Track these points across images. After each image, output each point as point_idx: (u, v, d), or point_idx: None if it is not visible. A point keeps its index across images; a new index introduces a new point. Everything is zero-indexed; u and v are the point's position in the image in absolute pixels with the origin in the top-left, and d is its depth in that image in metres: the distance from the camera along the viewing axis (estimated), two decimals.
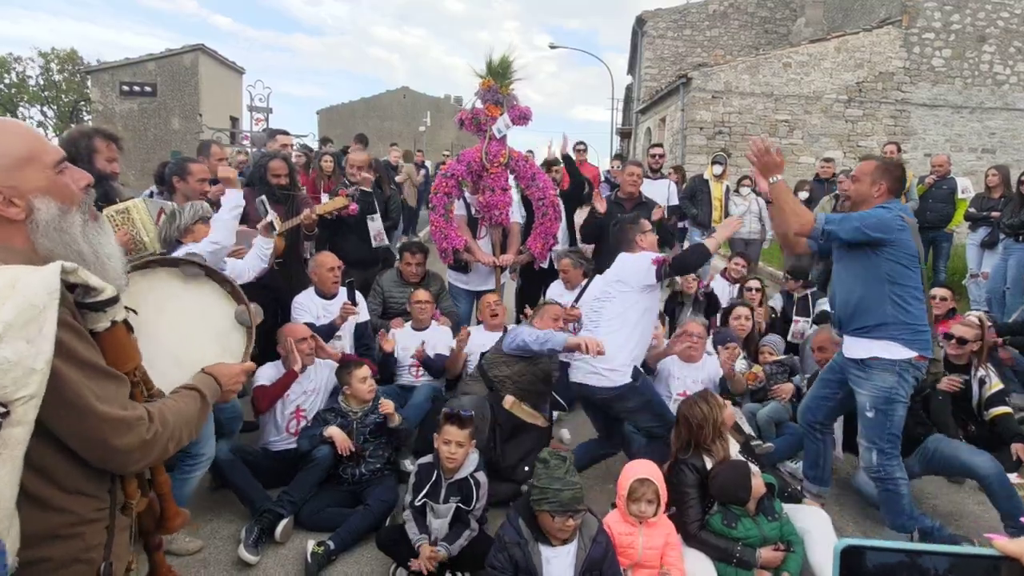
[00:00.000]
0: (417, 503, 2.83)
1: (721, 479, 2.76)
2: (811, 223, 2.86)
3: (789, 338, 5.18)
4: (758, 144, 2.92)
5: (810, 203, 7.21)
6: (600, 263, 4.62)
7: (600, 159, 23.51)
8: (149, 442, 1.20)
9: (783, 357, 4.38)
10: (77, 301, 1.15)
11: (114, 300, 1.20)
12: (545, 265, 5.12)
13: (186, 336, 1.66)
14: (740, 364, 4.24)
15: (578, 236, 5.56)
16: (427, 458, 2.96)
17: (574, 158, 7.40)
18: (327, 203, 4.62)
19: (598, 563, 2.39)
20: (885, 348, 2.84)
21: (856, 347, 2.97)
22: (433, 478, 2.85)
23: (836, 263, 3.10)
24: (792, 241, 3.17)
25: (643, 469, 2.73)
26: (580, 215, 5.74)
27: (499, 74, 4.47)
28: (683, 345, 3.82)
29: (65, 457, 1.14)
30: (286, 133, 6.25)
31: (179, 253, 2.96)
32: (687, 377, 3.85)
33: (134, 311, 1.33)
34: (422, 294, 4.38)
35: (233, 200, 3.18)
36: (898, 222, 2.80)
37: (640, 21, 21.99)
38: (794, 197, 3.10)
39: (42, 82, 31.55)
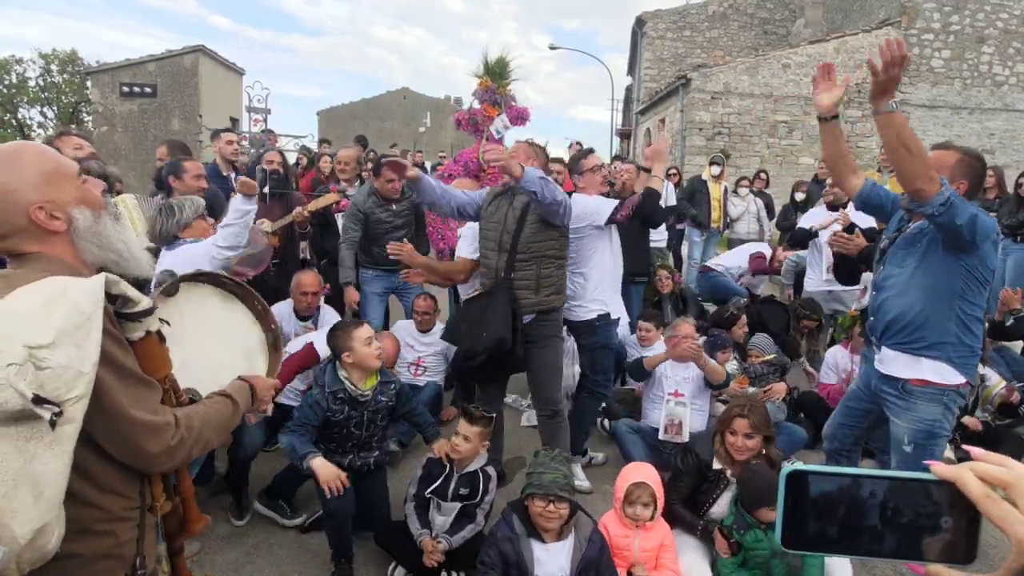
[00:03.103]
0: (425, 496, 2.84)
1: (756, 484, 2.66)
2: (938, 183, 2.21)
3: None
4: (892, 51, 2.09)
5: (807, 204, 7.21)
6: None
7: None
8: (174, 447, 1.27)
9: (771, 357, 4.35)
10: (116, 311, 1.23)
11: (150, 311, 1.28)
12: None
13: (219, 343, 1.76)
14: (731, 366, 4.27)
15: None
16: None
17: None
18: (318, 200, 4.65)
19: (594, 563, 2.40)
20: (936, 371, 2.47)
21: (899, 363, 2.55)
22: (446, 471, 2.85)
23: (892, 265, 2.61)
24: (848, 180, 2.68)
25: (640, 473, 2.74)
26: None
27: (496, 74, 4.48)
28: (683, 346, 3.76)
29: (101, 457, 1.22)
30: (230, 130, 6.24)
31: (179, 250, 2.91)
32: (677, 376, 3.88)
33: (167, 322, 1.40)
34: (424, 303, 4.39)
35: (240, 204, 3.01)
36: (996, 230, 2.42)
37: (640, 22, 22.02)
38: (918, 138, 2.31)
39: (42, 83, 31.54)
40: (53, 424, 1.06)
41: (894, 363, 2.56)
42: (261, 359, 1.86)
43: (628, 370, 4.16)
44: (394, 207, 4.49)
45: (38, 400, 1.04)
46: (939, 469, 0.56)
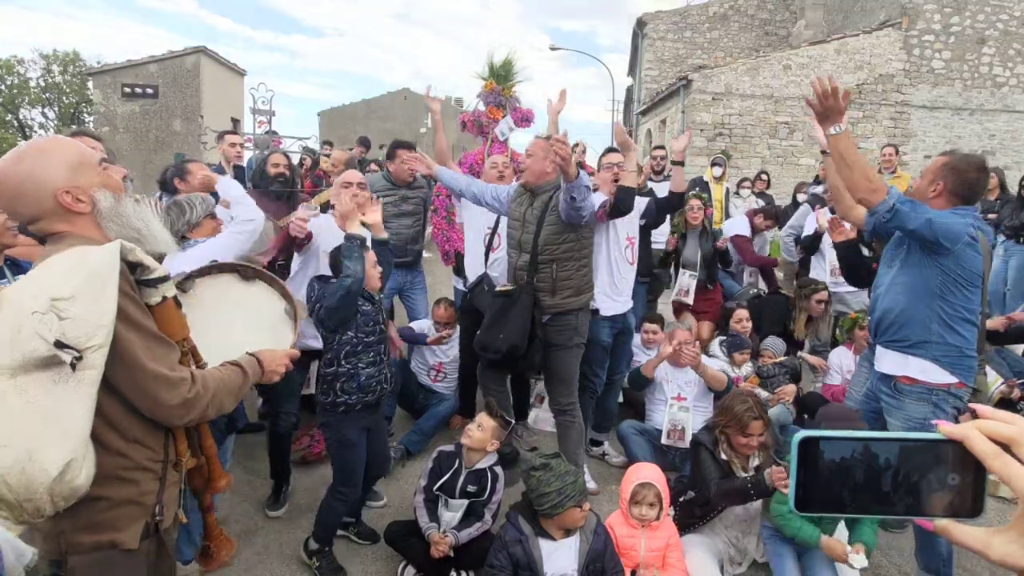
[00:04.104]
0: (434, 491, 2.88)
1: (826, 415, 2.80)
2: (882, 192, 2.42)
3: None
4: (821, 84, 2.41)
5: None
6: None
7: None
8: (191, 400, 1.42)
9: (783, 359, 4.35)
10: (136, 279, 1.38)
11: (165, 278, 1.43)
12: None
13: (242, 329, 1.90)
14: (746, 368, 4.28)
15: None
16: (449, 446, 3.01)
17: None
18: (322, 194, 4.68)
19: (600, 555, 2.44)
20: (923, 369, 2.55)
21: (889, 361, 2.67)
22: (454, 466, 2.90)
23: (883, 266, 2.78)
24: (849, 207, 2.83)
25: (646, 473, 2.76)
26: None
27: (501, 76, 4.49)
28: (683, 354, 3.77)
29: (127, 409, 1.38)
30: (233, 133, 6.28)
31: (191, 251, 2.78)
32: (679, 379, 3.88)
33: (182, 290, 1.57)
34: (444, 312, 4.39)
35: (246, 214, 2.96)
36: (968, 233, 2.45)
37: (640, 23, 22.02)
38: (863, 156, 2.60)
39: (43, 84, 31.52)
40: (73, 366, 1.21)
41: (886, 361, 2.68)
42: (287, 328, 1.99)
43: (628, 381, 4.17)
44: (404, 192, 4.48)
45: (59, 344, 1.20)
46: (946, 428, 0.58)
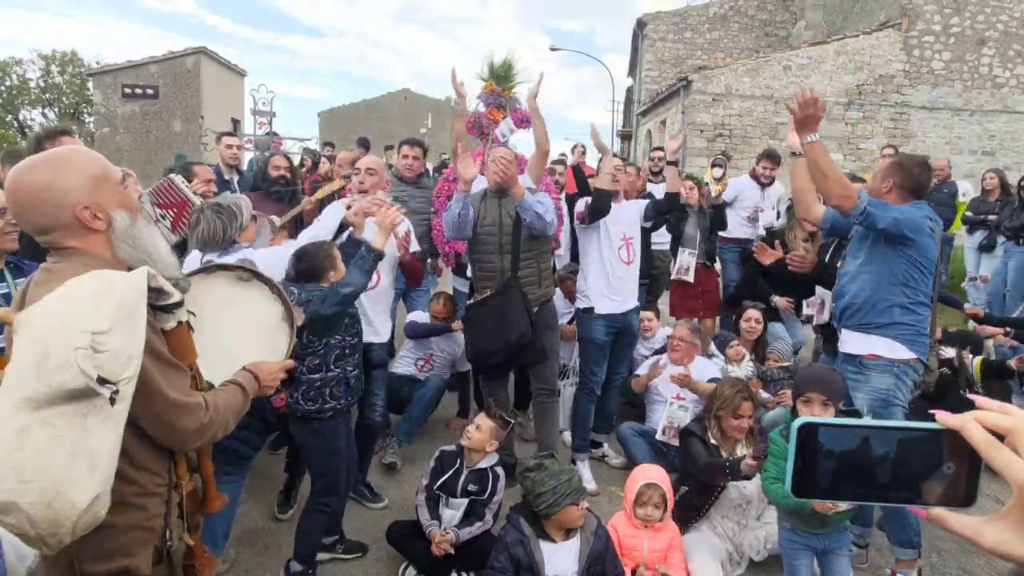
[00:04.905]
0: (435, 490, 2.89)
1: (806, 371, 2.88)
2: (854, 197, 2.65)
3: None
4: (805, 95, 2.64)
5: None
6: None
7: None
8: (205, 425, 1.41)
9: (789, 363, 4.23)
10: (151, 303, 1.35)
11: (180, 303, 1.41)
12: None
13: (237, 333, 1.85)
14: (746, 368, 4.21)
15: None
16: (451, 446, 3.03)
17: (575, 161, 7.45)
18: (324, 188, 4.69)
19: (601, 557, 2.45)
20: (887, 346, 2.78)
21: (855, 342, 2.88)
22: (456, 465, 2.91)
23: (850, 257, 2.99)
24: (808, 208, 3.02)
25: (651, 474, 2.78)
26: None
27: (501, 77, 4.48)
28: (673, 357, 3.82)
29: (137, 436, 1.35)
30: (231, 134, 6.28)
31: (234, 257, 2.64)
32: None
33: (193, 313, 1.52)
34: (441, 308, 4.33)
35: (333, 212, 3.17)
36: (928, 225, 2.72)
37: (640, 24, 22.05)
38: (834, 163, 2.82)
39: (43, 84, 31.51)
40: (112, 401, 1.18)
41: (851, 342, 2.90)
42: (283, 335, 1.93)
43: (624, 390, 4.18)
44: (410, 189, 4.45)
45: (101, 380, 1.16)
46: (944, 418, 0.59)
